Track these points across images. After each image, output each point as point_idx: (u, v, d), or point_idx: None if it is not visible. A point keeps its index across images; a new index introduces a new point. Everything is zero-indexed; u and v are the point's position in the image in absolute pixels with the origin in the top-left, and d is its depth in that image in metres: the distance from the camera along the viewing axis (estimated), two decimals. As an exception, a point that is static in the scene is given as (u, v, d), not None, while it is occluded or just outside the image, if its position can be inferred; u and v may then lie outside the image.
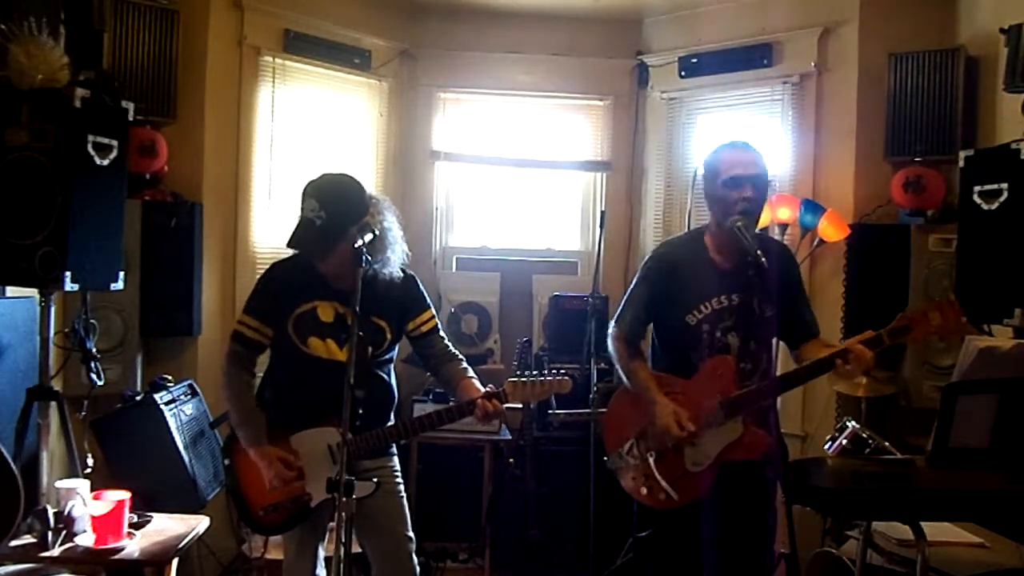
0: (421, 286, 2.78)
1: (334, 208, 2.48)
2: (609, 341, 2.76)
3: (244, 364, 2.66)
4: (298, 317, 2.61)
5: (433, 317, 2.79)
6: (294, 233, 2.52)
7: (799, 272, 2.84)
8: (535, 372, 2.67)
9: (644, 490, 2.60)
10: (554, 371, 2.67)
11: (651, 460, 2.58)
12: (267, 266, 2.76)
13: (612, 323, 2.77)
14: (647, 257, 2.81)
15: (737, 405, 2.52)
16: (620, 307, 2.78)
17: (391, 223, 2.61)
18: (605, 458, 2.74)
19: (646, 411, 2.60)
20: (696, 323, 2.59)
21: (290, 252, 2.63)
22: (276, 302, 2.64)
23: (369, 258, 2.44)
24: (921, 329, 2.42)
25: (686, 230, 4.31)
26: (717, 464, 2.54)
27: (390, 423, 2.74)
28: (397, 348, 2.77)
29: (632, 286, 2.77)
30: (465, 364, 2.80)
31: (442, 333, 2.82)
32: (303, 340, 2.61)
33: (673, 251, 2.77)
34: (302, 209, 2.50)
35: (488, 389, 2.62)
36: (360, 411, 2.44)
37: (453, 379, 2.76)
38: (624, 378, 2.71)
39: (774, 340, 2.70)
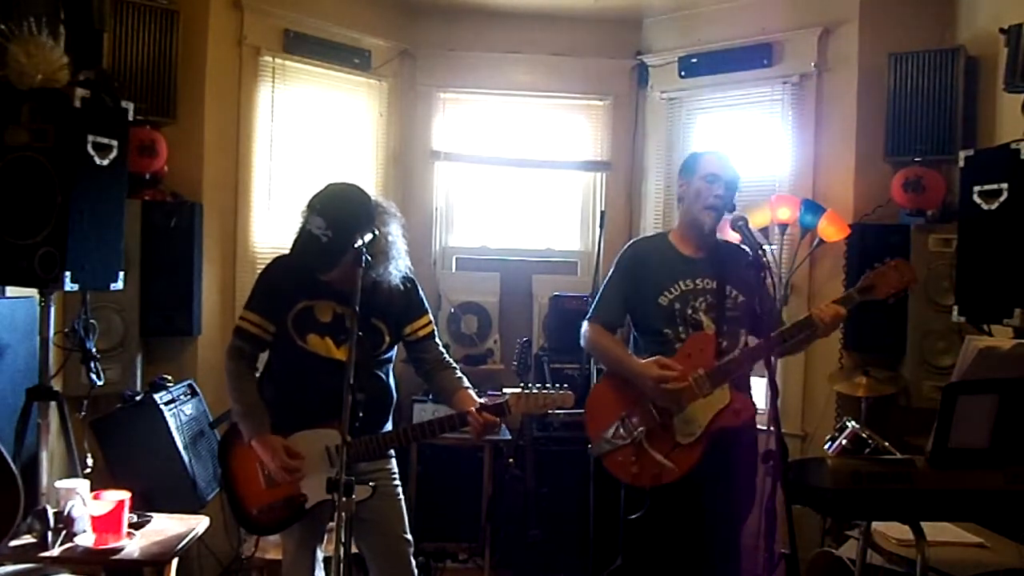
0: (421, 291, 2.77)
1: (341, 227, 2.44)
2: (583, 336, 2.91)
3: (247, 360, 2.66)
4: (296, 315, 2.61)
5: (430, 323, 2.78)
6: (297, 247, 2.51)
7: (764, 277, 2.80)
8: (539, 384, 2.66)
9: (635, 469, 2.70)
10: (557, 385, 2.66)
11: (642, 437, 2.69)
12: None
13: (585, 321, 2.93)
14: (617, 256, 2.96)
15: (722, 374, 2.66)
16: (592, 305, 2.95)
17: (395, 236, 2.59)
18: (589, 446, 2.82)
19: (630, 386, 2.74)
20: (668, 303, 2.77)
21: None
22: (276, 298, 2.63)
23: (369, 258, 2.43)
24: (884, 286, 2.65)
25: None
26: (707, 433, 2.65)
27: (388, 426, 2.73)
28: (396, 349, 2.77)
29: (603, 285, 2.95)
30: (460, 374, 2.78)
31: (438, 340, 2.82)
32: (302, 337, 2.61)
33: (641, 245, 3.00)
34: (307, 223, 2.47)
35: (488, 401, 2.61)
36: (360, 414, 2.44)
37: (447, 388, 2.75)
38: (601, 361, 2.90)
39: (748, 328, 2.82)
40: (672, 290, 2.78)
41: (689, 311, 2.76)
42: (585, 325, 2.92)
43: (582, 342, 2.93)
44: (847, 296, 2.69)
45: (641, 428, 2.71)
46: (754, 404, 2.78)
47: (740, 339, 2.79)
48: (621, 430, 2.73)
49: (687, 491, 2.69)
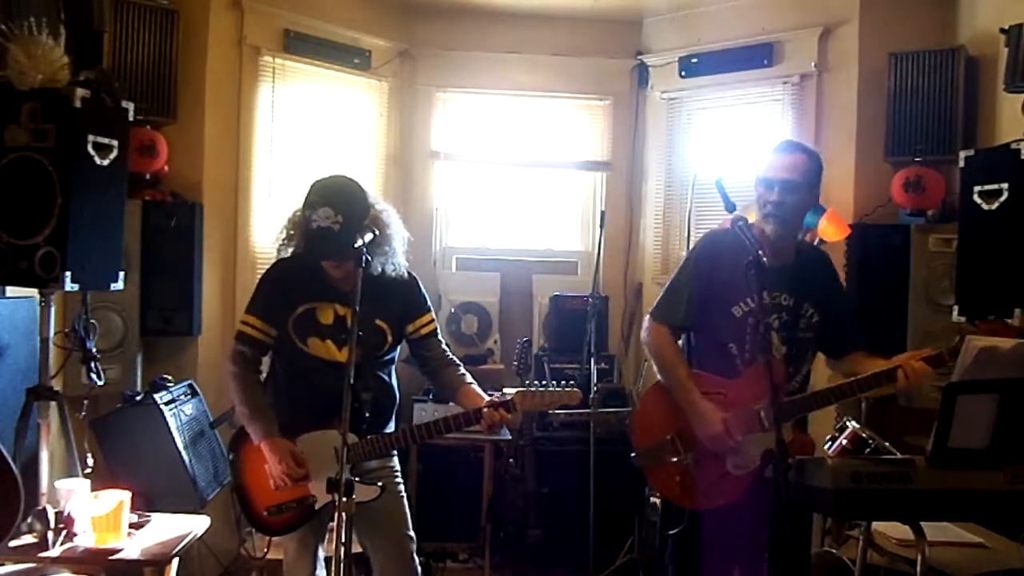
0: (423, 289, 2.78)
1: (348, 211, 2.48)
2: (646, 335, 2.67)
3: (250, 364, 2.67)
4: (297, 318, 2.62)
5: (433, 320, 2.79)
6: (313, 244, 2.51)
7: (839, 281, 2.74)
8: (543, 382, 2.66)
9: (678, 489, 2.55)
10: (563, 382, 2.66)
11: (690, 461, 2.52)
12: (267, 266, 2.77)
13: (648, 316, 2.68)
14: (692, 248, 2.74)
15: (787, 413, 2.45)
16: (659, 299, 2.67)
17: (391, 217, 2.63)
18: (633, 454, 2.64)
19: (687, 412, 2.54)
20: (741, 315, 2.53)
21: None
22: (277, 302, 2.64)
23: (369, 258, 2.44)
24: None
25: (687, 231, 4.32)
26: (759, 467, 2.48)
27: (391, 426, 2.74)
28: (398, 349, 2.77)
29: (675, 278, 2.67)
30: (463, 370, 2.79)
31: (440, 337, 2.83)
32: (303, 340, 2.61)
33: (722, 242, 2.65)
34: (315, 219, 2.47)
35: (495, 398, 2.61)
36: (367, 414, 2.45)
37: (451, 384, 2.76)
38: (661, 375, 2.63)
39: (816, 349, 2.66)
40: (748, 301, 2.51)
41: (761, 328, 2.45)
42: (648, 322, 2.66)
43: (644, 338, 2.69)
44: (938, 356, 2.42)
45: (691, 451, 2.52)
46: (812, 443, 2.56)
47: (807, 363, 2.61)
48: (670, 447, 2.54)
49: (728, 518, 2.49)
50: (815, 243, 4.05)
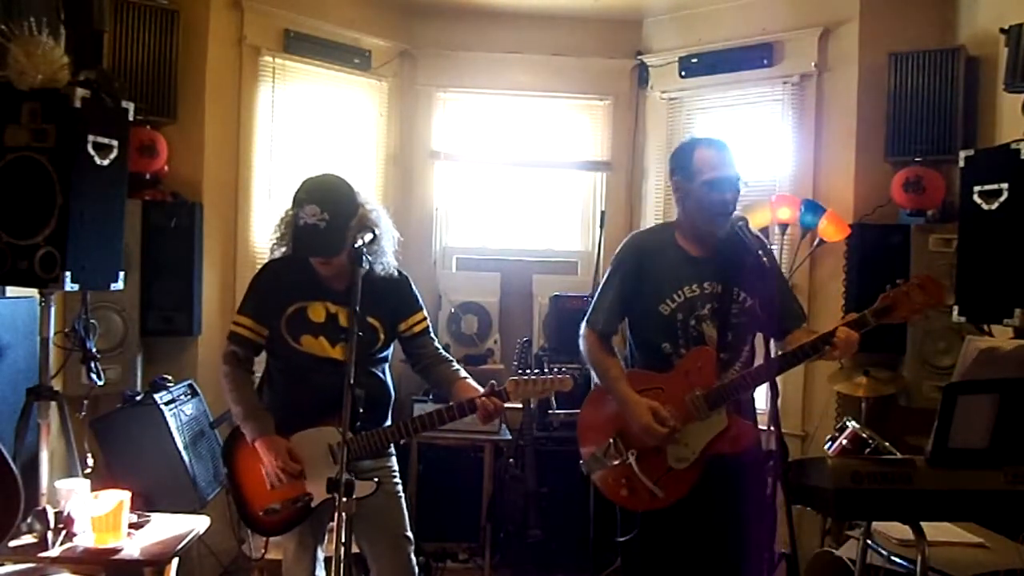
0: (414, 287, 2.80)
1: (335, 208, 2.51)
2: (580, 341, 2.70)
3: (242, 364, 2.68)
4: (289, 317, 2.63)
5: (425, 319, 2.80)
6: (299, 241, 2.53)
7: (775, 261, 2.74)
8: (536, 371, 2.67)
9: (625, 492, 2.55)
10: (555, 369, 2.66)
11: (632, 460, 2.52)
12: (266, 266, 2.78)
13: (583, 323, 2.70)
14: (615, 252, 2.72)
15: (720, 396, 2.48)
16: (590, 308, 2.71)
17: (380, 217, 2.65)
18: (581, 461, 2.65)
19: (620, 407, 2.56)
20: (669, 312, 2.55)
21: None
22: (268, 301, 2.66)
23: (369, 258, 2.47)
24: (905, 307, 2.40)
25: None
26: (703, 459, 2.51)
27: (388, 422, 2.74)
28: (392, 347, 2.78)
29: (602, 284, 2.71)
30: (457, 366, 2.80)
31: (433, 335, 2.84)
32: (296, 339, 2.62)
33: (642, 241, 2.71)
34: (301, 216, 2.50)
35: (488, 387, 2.62)
36: (361, 411, 2.46)
37: (446, 380, 2.77)
38: (595, 377, 2.68)
39: (755, 332, 2.63)
40: (675, 297, 2.54)
41: (692, 322, 2.53)
42: (583, 329, 2.69)
43: (580, 345, 2.71)
44: (861, 319, 2.41)
45: (632, 450, 2.53)
46: (756, 429, 2.59)
47: (746, 348, 2.59)
48: (612, 450, 2.55)
49: (680, 517, 2.52)
50: (814, 243, 4.07)
